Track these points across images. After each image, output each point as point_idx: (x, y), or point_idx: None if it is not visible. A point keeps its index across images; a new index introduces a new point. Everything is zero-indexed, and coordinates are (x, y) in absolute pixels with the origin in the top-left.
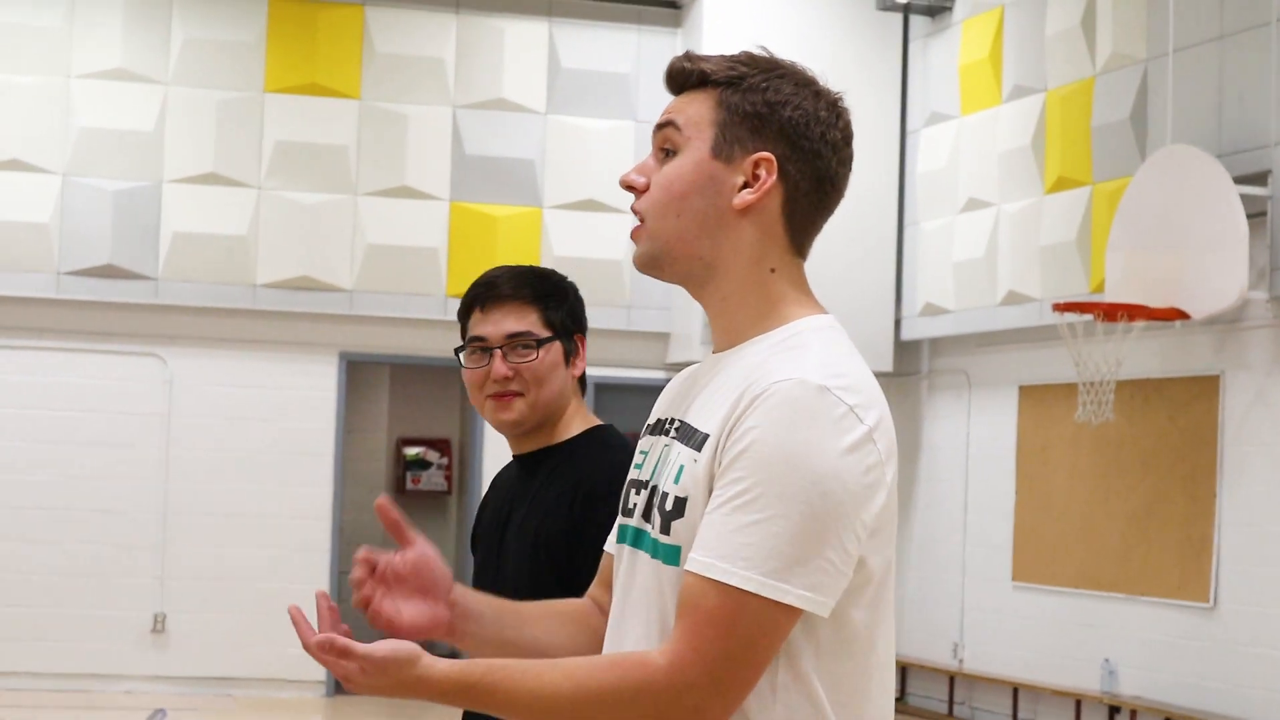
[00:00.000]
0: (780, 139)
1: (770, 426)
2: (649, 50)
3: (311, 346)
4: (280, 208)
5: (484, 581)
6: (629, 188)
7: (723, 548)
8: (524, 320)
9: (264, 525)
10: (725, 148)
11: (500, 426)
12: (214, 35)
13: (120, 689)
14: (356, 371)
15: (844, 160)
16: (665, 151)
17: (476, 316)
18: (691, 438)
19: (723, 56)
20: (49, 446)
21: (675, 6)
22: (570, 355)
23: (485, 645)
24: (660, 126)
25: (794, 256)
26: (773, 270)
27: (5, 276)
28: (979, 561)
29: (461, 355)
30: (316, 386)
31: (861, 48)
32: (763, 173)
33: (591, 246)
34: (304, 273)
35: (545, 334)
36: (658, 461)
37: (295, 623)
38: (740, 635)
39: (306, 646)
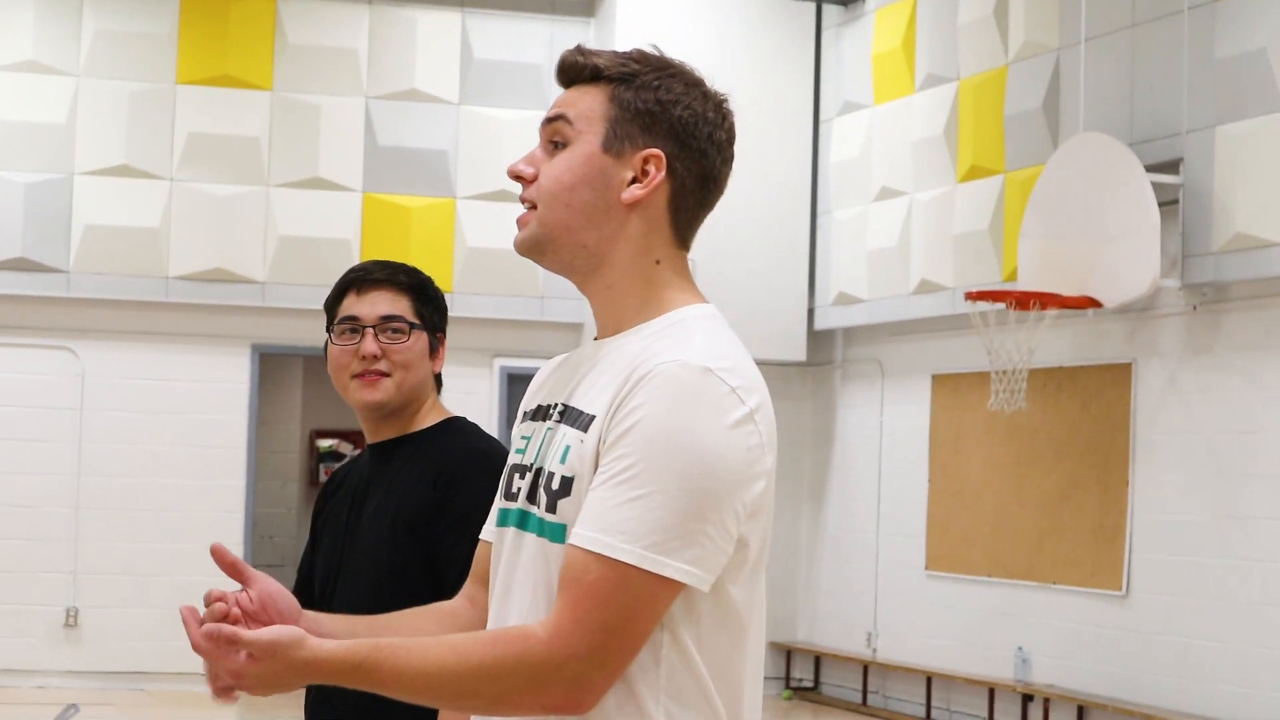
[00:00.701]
0: (670, 137)
1: (654, 405)
2: (562, 40)
3: (224, 339)
4: (192, 200)
5: (331, 566)
6: (517, 178)
7: (605, 522)
8: (397, 305)
9: (177, 518)
10: (616, 143)
11: (364, 408)
12: (125, 27)
13: (32, 684)
14: (269, 364)
15: (727, 159)
16: (555, 144)
17: (350, 299)
18: (578, 419)
19: (615, 53)
20: None
21: None
22: (433, 350)
23: None
24: (550, 119)
25: (678, 249)
26: (658, 262)
27: None
28: (893, 551)
29: (330, 336)
30: (229, 379)
31: (775, 37)
32: (651, 169)
33: (505, 237)
34: (216, 265)
35: (416, 321)
36: (541, 445)
37: (185, 623)
38: (620, 608)
39: (195, 646)
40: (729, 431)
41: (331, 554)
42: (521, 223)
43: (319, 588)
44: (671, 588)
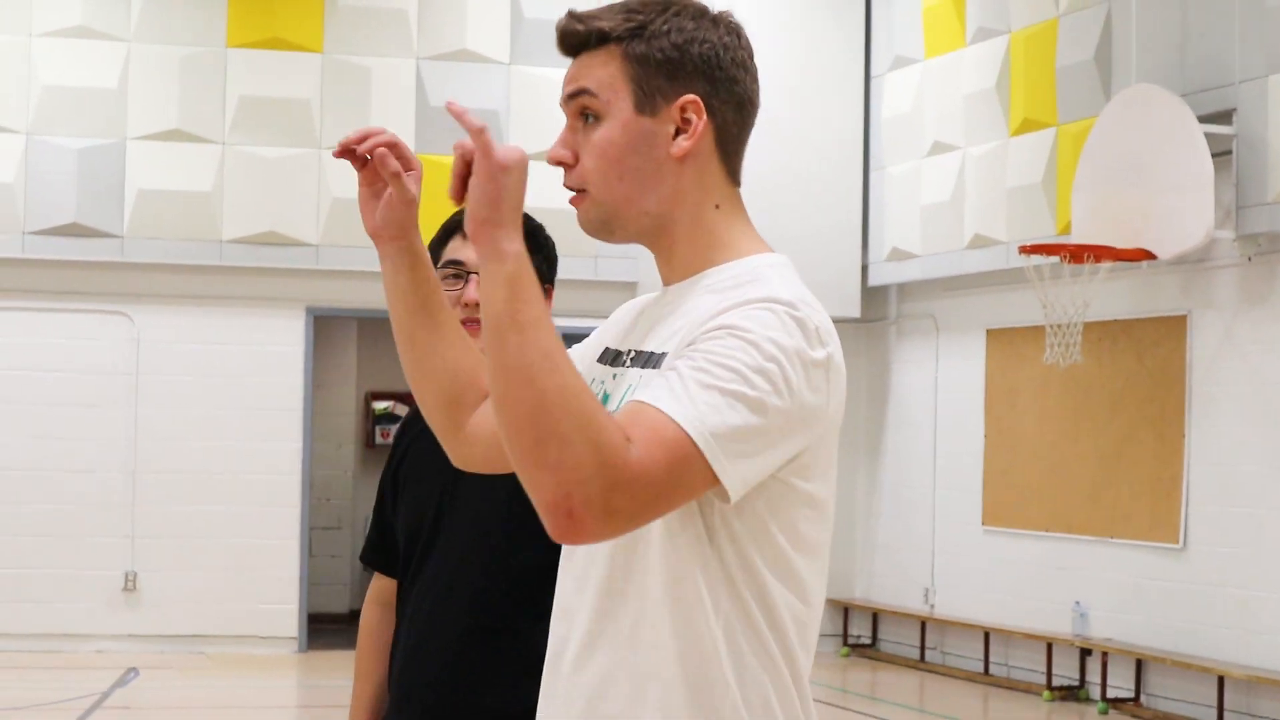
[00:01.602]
0: (698, 77)
1: (746, 320)
2: None
3: (278, 302)
4: (245, 163)
5: (423, 522)
6: (559, 164)
7: (687, 395)
8: None
9: (234, 481)
10: (648, 101)
11: None
12: None
13: (92, 648)
14: (324, 326)
15: (754, 76)
16: (585, 119)
17: (456, 243)
18: (649, 360)
19: (611, 8)
20: (16, 407)
21: None
22: None
23: (399, 291)
24: (572, 96)
25: (732, 187)
26: (717, 206)
27: None
28: (949, 506)
29: None
30: (284, 342)
31: None
32: (692, 116)
33: (558, 197)
34: (270, 228)
35: None
36: (610, 386)
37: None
38: (676, 479)
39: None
40: (811, 370)
41: (422, 507)
42: (576, 204)
43: (408, 540)
44: (712, 485)
